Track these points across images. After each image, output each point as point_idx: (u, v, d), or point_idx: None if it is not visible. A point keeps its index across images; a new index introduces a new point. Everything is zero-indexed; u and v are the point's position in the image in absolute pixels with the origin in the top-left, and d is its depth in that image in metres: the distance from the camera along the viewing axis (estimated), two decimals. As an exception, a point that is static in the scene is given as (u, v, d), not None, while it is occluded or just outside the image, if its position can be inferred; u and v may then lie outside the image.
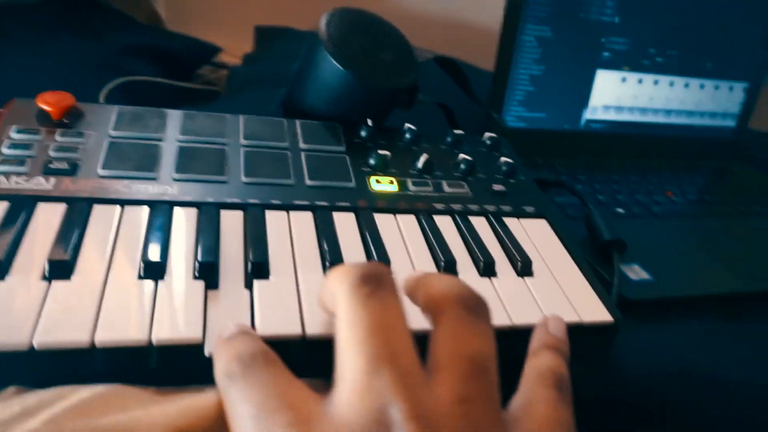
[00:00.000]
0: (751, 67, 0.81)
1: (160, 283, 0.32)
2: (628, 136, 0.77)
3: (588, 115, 0.74)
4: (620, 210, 0.61)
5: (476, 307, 0.26)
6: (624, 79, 0.74)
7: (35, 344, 0.27)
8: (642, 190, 0.67)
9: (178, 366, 0.29)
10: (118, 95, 0.71)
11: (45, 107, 0.42)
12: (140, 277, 0.32)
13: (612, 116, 0.76)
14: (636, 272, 0.50)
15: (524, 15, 0.66)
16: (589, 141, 0.75)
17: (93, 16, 0.84)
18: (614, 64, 0.73)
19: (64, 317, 0.28)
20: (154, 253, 0.33)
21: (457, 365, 0.24)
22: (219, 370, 0.26)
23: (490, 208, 0.46)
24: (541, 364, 0.29)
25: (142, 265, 0.32)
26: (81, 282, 0.31)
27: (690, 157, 0.81)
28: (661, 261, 0.52)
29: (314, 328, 0.31)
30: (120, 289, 0.31)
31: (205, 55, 0.92)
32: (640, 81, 0.75)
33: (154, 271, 0.32)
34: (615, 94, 0.75)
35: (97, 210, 0.36)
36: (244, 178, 0.41)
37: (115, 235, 0.34)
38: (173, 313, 0.30)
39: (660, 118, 0.78)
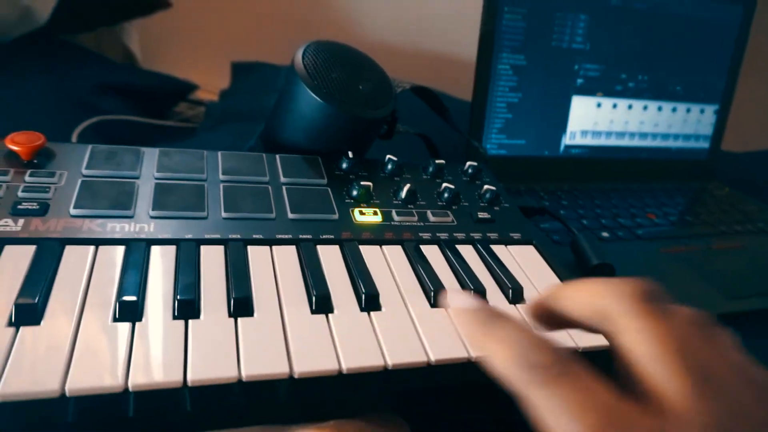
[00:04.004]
0: (720, 90, 0.83)
1: (137, 324, 0.30)
2: (606, 160, 0.78)
3: (566, 140, 0.75)
4: (605, 234, 0.61)
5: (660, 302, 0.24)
6: (599, 105, 0.75)
7: None
8: (624, 214, 0.67)
9: (158, 413, 0.28)
10: (92, 134, 0.69)
11: (14, 147, 0.40)
12: (116, 320, 0.30)
13: (590, 141, 0.77)
14: (625, 295, 0.49)
15: (499, 44, 0.67)
16: (569, 166, 0.76)
17: (64, 55, 0.83)
18: (589, 90, 0.74)
19: (32, 365, 0.26)
20: (130, 294, 0.31)
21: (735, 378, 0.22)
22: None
23: (477, 235, 0.45)
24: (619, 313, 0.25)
25: (117, 306, 0.30)
26: (51, 327, 0.29)
27: (667, 178, 0.82)
28: (649, 283, 0.52)
29: (302, 365, 0.30)
30: (94, 332, 0.29)
31: (180, 92, 0.91)
32: (614, 106, 0.76)
33: (130, 312, 0.30)
34: (591, 119, 0.76)
35: (69, 251, 0.34)
36: (224, 214, 0.40)
37: (88, 276, 0.33)
38: (151, 356, 0.28)
39: (636, 142, 0.79)
